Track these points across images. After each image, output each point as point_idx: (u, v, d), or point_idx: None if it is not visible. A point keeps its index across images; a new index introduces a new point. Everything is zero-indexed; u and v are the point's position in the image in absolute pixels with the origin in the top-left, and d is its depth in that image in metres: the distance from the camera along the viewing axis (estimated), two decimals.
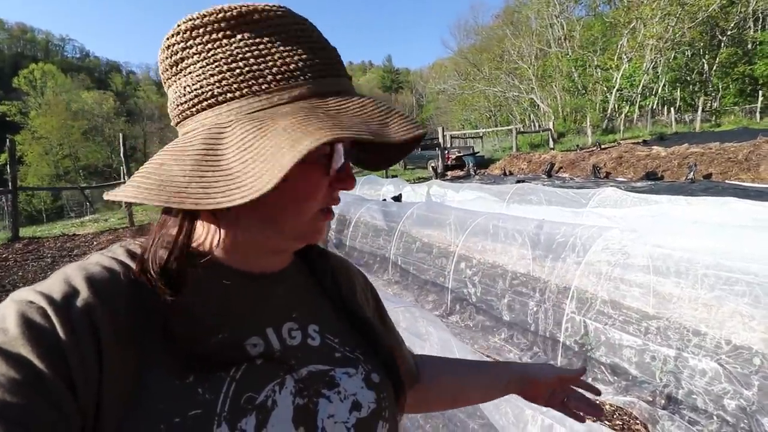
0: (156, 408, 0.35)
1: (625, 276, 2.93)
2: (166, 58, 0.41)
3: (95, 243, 8.47)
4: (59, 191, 20.23)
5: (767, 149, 8.71)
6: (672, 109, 25.61)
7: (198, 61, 0.39)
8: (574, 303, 2.94)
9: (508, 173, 13.51)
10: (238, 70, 0.38)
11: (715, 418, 2.15)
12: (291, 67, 0.39)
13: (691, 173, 9.01)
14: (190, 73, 0.40)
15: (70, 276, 0.37)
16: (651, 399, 2.34)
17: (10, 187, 8.12)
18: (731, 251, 2.83)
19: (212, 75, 0.38)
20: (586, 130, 21.35)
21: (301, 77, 0.39)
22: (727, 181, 8.46)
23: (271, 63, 0.38)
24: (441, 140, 17.24)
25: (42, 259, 6.72)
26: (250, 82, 0.38)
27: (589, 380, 2.61)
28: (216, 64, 0.38)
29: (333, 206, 0.45)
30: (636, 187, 8.34)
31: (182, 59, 0.40)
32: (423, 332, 2.66)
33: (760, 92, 25.29)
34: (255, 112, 0.37)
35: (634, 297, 2.85)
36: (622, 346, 2.59)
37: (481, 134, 25.67)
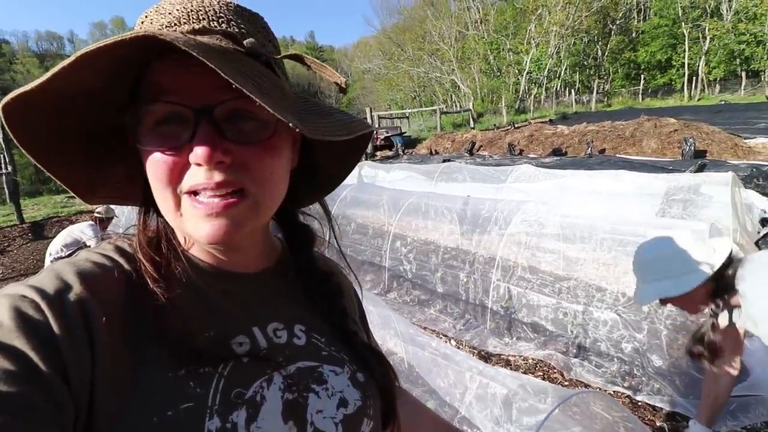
0: (149, 401, 0.35)
1: (540, 244, 3.27)
2: None
3: None
4: None
5: (647, 127, 10.11)
6: (572, 90, 28.37)
7: None
8: (499, 271, 3.23)
9: (434, 152, 14.03)
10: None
11: (615, 360, 2.54)
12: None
13: (589, 149, 10.15)
14: None
15: (61, 271, 0.37)
16: (565, 350, 2.69)
17: None
18: (623, 216, 3.29)
19: None
20: (501, 111, 22.84)
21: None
22: (617, 155, 9.69)
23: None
24: (369, 121, 17.26)
25: None
26: None
27: (514, 339, 2.92)
28: None
29: (209, 188, 0.38)
30: (545, 162, 9.20)
31: None
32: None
33: (642, 76, 28.95)
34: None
35: (548, 262, 3.20)
36: (540, 306, 2.92)
37: (407, 114, 26.16)
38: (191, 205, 0.38)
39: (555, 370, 2.61)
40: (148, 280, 0.39)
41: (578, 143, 10.87)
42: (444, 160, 10.13)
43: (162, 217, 0.43)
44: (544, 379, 2.55)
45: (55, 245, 3.55)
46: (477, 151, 13.02)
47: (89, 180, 0.43)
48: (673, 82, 29.96)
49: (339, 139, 0.42)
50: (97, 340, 0.34)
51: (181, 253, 0.43)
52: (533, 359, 2.72)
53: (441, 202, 4.20)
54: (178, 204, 0.39)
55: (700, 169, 6.74)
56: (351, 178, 8.37)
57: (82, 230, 3.65)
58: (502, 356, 2.81)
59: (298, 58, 0.46)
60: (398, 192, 4.83)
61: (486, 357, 2.81)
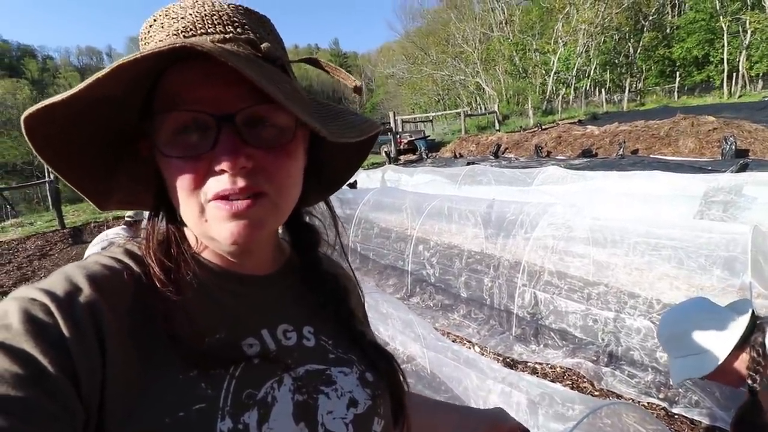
0: (160, 402, 0.35)
1: (568, 248, 3.17)
2: None
3: (21, 249, 7.70)
4: None
5: (684, 125, 9.65)
6: (603, 90, 27.47)
7: None
8: (525, 276, 3.14)
9: (458, 155, 13.89)
10: None
11: (650, 369, 2.42)
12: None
13: (621, 149, 9.78)
14: None
15: (71, 274, 0.37)
16: (595, 358, 2.58)
17: None
18: (658, 219, 3.14)
19: None
20: (528, 112, 22.37)
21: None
22: (651, 156, 9.29)
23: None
24: (393, 125, 17.32)
25: None
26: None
27: (541, 346, 2.83)
28: None
29: (233, 194, 0.38)
30: (574, 164, 8.93)
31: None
32: (385, 314, 2.73)
33: (677, 73, 27.75)
34: None
35: (577, 267, 3.09)
36: (568, 312, 2.82)
37: (431, 118, 26.05)
38: (216, 208, 0.39)
39: (585, 380, 2.50)
40: (157, 283, 0.40)
41: (609, 144, 10.50)
42: (468, 163, 10.00)
43: (173, 221, 0.44)
44: (573, 388, 2.46)
45: (92, 248, 3.73)
46: (502, 153, 12.80)
47: (101, 186, 0.44)
48: (711, 79, 28.54)
49: (352, 141, 0.43)
50: (107, 342, 0.34)
51: (192, 257, 0.44)
52: (561, 368, 2.63)
53: (465, 205, 4.14)
54: (202, 210, 0.40)
55: (742, 168, 6.36)
56: (374, 182, 8.41)
57: (116, 233, 3.82)
58: (528, 363, 2.72)
59: (312, 61, 0.48)
60: (421, 195, 4.81)
61: (511, 364, 2.74)
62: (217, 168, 0.38)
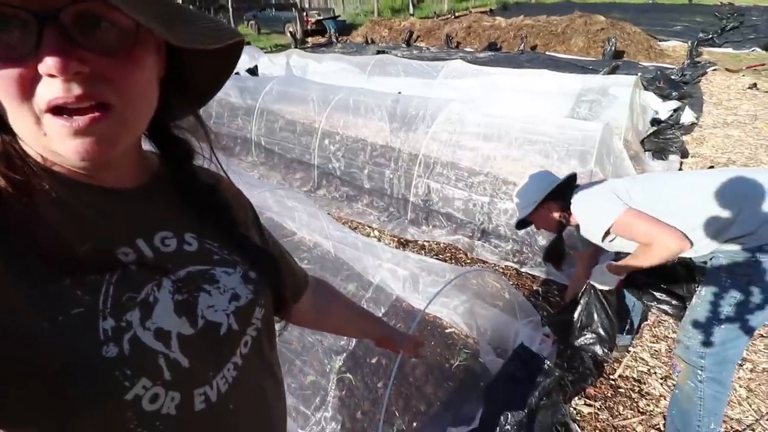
0: (35, 310, 0.35)
1: (461, 142, 3.48)
2: None
3: None
4: None
5: (578, 24, 10.18)
6: None
7: None
8: (421, 168, 3.44)
9: (370, 41, 13.10)
10: None
11: (510, 241, 3.00)
12: None
13: (522, 45, 10.15)
14: None
15: None
16: (471, 234, 3.10)
17: None
18: (536, 116, 3.55)
19: None
20: None
21: None
22: (547, 53, 9.84)
23: None
24: (298, 0, 15.26)
25: None
26: None
27: (430, 227, 3.27)
28: None
29: (70, 102, 0.36)
30: (479, 57, 9.12)
31: None
32: (291, 207, 2.86)
33: None
34: None
35: (467, 159, 3.46)
36: (454, 198, 3.24)
37: None
38: (54, 123, 0.36)
39: (461, 251, 3.04)
40: (6, 196, 0.36)
41: (513, 38, 10.76)
42: (378, 52, 9.58)
43: (9, 134, 0.39)
44: (450, 258, 2.98)
45: None
46: (414, 41, 12.39)
47: None
48: None
49: (206, 48, 0.42)
50: None
51: (42, 169, 0.40)
52: (444, 243, 3.12)
53: (371, 98, 4.14)
54: (38, 121, 0.36)
55: (613, 70, 7.15)
56: (278, 69, 7.69)
57: None
58: (418, 242, 3.17)
59: None
60: (328, 87, 4.63)
61: (404, 243, 3.17)
62: (45, 72, 0.34)
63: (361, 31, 14.25)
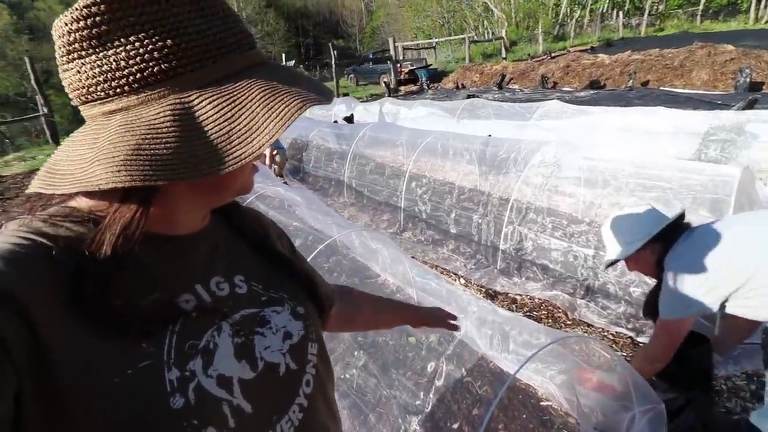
0: (105, 366, 0.36)
1: (557, 187, 3.19)
2: (84, 28, 0.37)
3: (26, 184, 7.72)
4: None
5: (700, 55, 9.11)
6: (620, 12, 25.38)
7: (134, 33, 0.38)
8: (513, 213, 3.21)
9: (460, 86, 13.32)
10: (184, 44, 0.39)
11: (622, 302, 2.57)
12: (229, 41, 0.42)
13: (630, 81, 9.35)
14: (122, 45, 0.38)
15: None
16: (572, 291, 2.74)
17: None
18: (650, 159, 3.12)
19: (156, 49, 0.38)
20: (537, 38, 20.95)
21: (237, 51, 0.43)
22: (661, 88, 8.90)
23: (211, 35, 0.41)
24: (393, 53, 16.35)
25: None
26: (198, 55, 0.40)
27: (523, 279, 2.98)
28: (161, 36, 0.38)
29: None
30: (579, 96, 8.60)
31: (110, 31, 0.37)
32: (375, 250, 2.84)
33: None
34: (208, 84, 0.40)
35: (564, 205, 3.14)
36: (551, 249, 2.93)
37: (434, 44, 24.48)
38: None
39: (560, 310, 2.68)
40: (96, 257, 0.38)
41: (619, 75, 10.01)
42: (468, 96, 9.64)
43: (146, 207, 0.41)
44: (547, 317, 2.64)
45: None
46: (507, 84, 12.25)
47: None
48: (738, 1, 26.20)
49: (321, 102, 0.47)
50: (35, 317, 0.33)
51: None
52: (539, 299, 2.80)
53: (460, 142, 4.09)
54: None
55: (751, 105, 6.12)
56: (372, 116, 8.16)
57: None
58: (509, 295, 2.89)
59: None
60: (417, 131, 4.72)
61: (493, 295, 2.91)
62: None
63: (452, 77, 14.62)
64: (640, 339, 2.38)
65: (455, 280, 3.18)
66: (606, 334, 2.45)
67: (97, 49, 0.38)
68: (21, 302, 0.33)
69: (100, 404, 0.35)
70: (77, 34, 0.38)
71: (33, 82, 8.90)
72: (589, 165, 3.09)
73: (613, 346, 2.34)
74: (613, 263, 1.67)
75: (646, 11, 24.10)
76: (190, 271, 0.48)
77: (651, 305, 1.64)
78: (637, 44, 13.83)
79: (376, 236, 2.99)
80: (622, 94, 8.62)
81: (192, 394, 0.40)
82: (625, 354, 2.27)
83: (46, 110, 8.92)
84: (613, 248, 1.62)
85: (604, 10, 26.92)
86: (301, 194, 3.72)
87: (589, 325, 2.53)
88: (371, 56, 19.07)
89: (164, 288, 0.44)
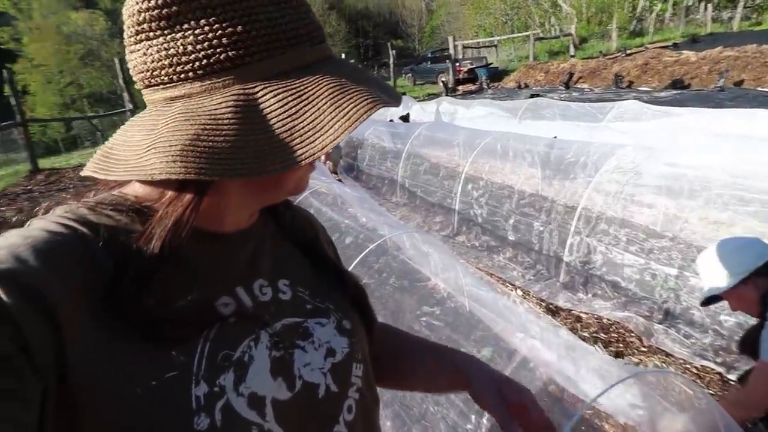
0: (129, 374, 0.34)
1: (635, 196, 2.88)
2: (155, 8, 0.36)
3: None
4: (68, 121, 19.96)
5: None
6: (709, 4, 22.86)
7: (204, 17, 0.36)
8: (580, 223, 2.94)
9: (523, 86, 12.73)
10: (254, 32, 0.37)
11: (710, 332, 2.24)
12: (300, 31, 0.39)
13: (721, 80, 8.34)
14: (191, 29, 0.36)
15: (14, 245, 0.33)
16: (648, 314, 2.43)
17: (18, 120, 8.09)
18: (749, 170, 2.71)
19: (226, 35, 0.36)
20: (611, 34, 19.48)
21: (308, 43, 0.40)
22: (759, 88, 7.85)
23: (283, 24, 0.38)
24: (452, 51, 16.04)
25: (65, 190, 6.87)
26: (268, 44, 0.38)
27: (589, 295, 2.71)
28: (231, 21, 0.37)
29: None
30: (659, 97, 7.84)
31: (180, 12, 0.36)
32: (426, 253, 2.73)
33: None
34: (275, 76, 0.38)
35: (642, 217, 2.82)
36: (624, 265, 2.63)
37: (495, 43, 23.68)
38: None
39: (632, 335, 2.39)
40: (138, 246, 0.36)
41: (707, 73, 8.99)
42: (532, 95, 9.15)
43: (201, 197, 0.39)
44: (618, 340, 2.37)
45: None
46: (575, 83, 11.50)
47: None
48: None
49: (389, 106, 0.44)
50: (60, 317, 0.31)
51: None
52: (608, 320, 2.52)
53: (521, 143, 3.85)
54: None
55: None
56: (428, 115, 8.02)
57: None
58: (572, 312, 2.64)
59: None
60: (475, 132, 4.53)
61: (554, 311, 2.67)
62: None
63: (513, 76, 14.05)
64: (730, 376, 2.05)
65: (512, 290, 2.97)
66: (689, 366, 2.14)
67: (165, 31, 0.37)
68: (47, 298, 0.31)
69: (113, 416, 0.32)
70: (147, 14, 0.37)
71: (121, 80, 9.82)
72: (673, 172, 2.75)
73: (698, 381, 2.04)
74: (709, 300, 1.50)
75: (741, 3, 21.49)
76: (232, 272, 0.44)
77: (750, 343, 1.48)
78: (728, 40, 12.32)
79: (428, 239, 2.88)
80: (710, 94, 7.73)
81: (219, 414, 0.36)
82: (713, 392, 1.96)
83: (131, 106, 9.81)
84: (707, 281, 1.49)
85: (690, 3, 24.43)
86: (354, 192, 3.71)
87: (667, 355, 2.22)
88: (429, 55, 18.87)
89: (203, 289, 0.40)
